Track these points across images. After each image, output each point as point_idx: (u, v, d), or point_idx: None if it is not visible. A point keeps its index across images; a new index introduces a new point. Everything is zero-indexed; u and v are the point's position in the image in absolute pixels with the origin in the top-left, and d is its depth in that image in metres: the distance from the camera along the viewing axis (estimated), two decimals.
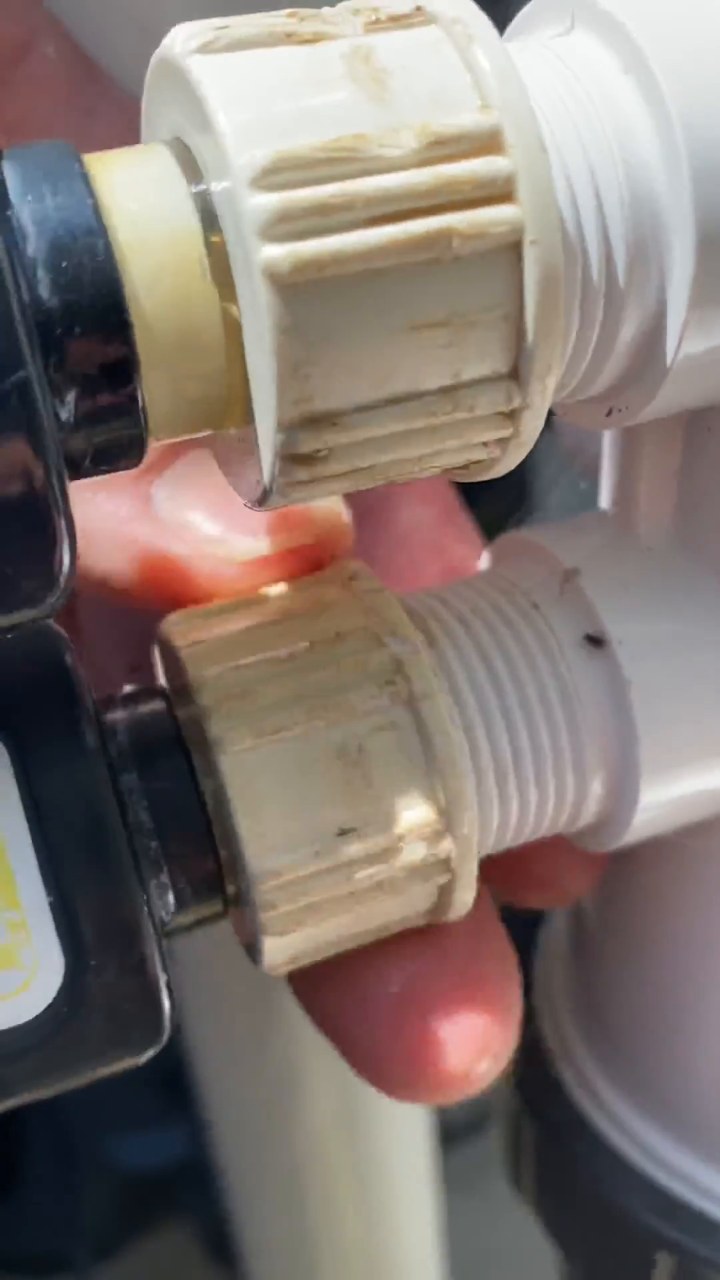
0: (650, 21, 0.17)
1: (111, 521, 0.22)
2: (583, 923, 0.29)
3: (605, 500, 0.24)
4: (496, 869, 0.22)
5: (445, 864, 0.20)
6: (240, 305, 0.16)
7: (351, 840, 0.19)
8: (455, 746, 0.20)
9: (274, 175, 0.15)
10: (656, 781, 0.21)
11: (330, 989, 0.22)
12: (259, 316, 0.15)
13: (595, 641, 0.21)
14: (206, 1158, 0.48)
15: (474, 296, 0.16)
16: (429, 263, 0.16)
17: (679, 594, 0.22)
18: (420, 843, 0.20)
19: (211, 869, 0.20)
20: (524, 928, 0.29)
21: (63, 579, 0.16)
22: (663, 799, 0.22)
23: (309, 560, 0.22)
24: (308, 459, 0.16)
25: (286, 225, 0.15)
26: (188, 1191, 0.61)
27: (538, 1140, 0.30)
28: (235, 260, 0.16)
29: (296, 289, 0.15)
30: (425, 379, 0.16)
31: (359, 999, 0.22)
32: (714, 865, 0.24)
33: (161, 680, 0.22)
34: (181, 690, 0.21)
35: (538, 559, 0.22)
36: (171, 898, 0.20)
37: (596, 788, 0.22)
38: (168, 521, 0.22)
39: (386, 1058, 0.22)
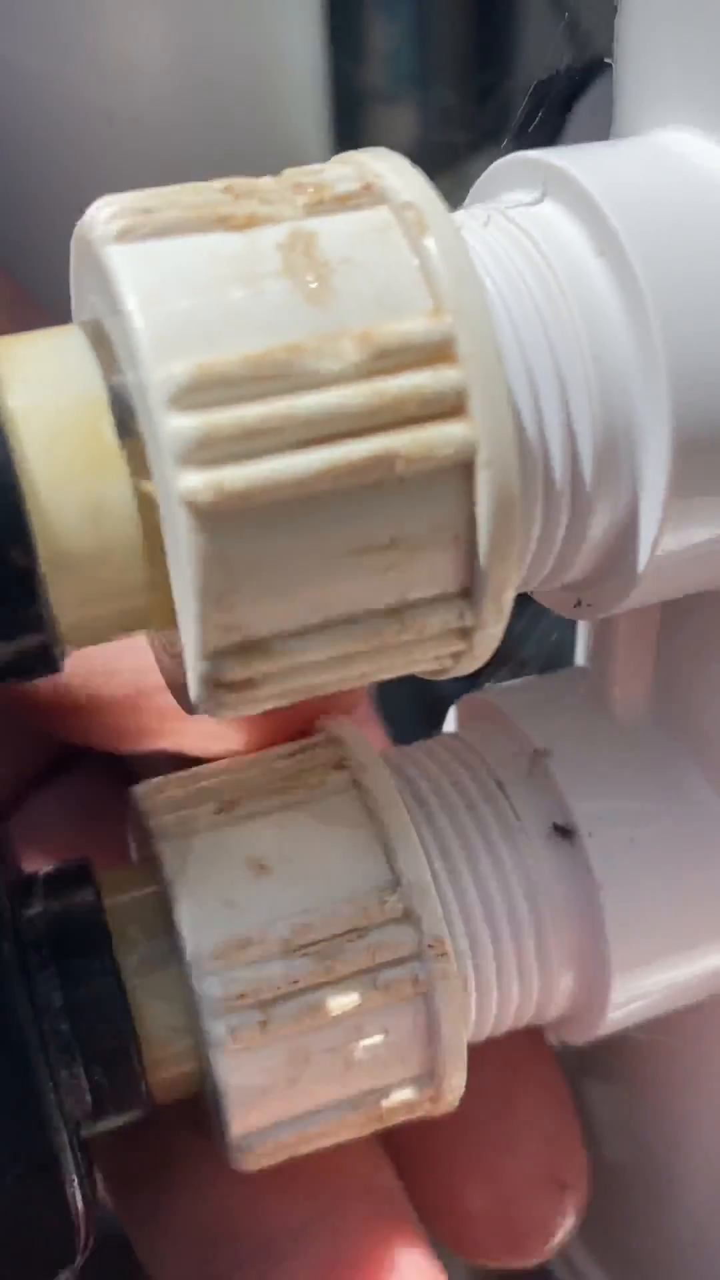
0: (628, 200, 0.15)
1: None
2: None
3: (582, 656, 0.22)
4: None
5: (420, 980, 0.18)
6: (161, 518, 0.14)
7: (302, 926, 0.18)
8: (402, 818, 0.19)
9: (195, 394, 0.13)
10: (629, 978, 0.20)
11: None
12: (178, 543, 0.14)
13: (564, 832, 0.19)
14: None
15: (420, 519, 0.14)
16: (369, 486, 0.14)
17: (654, 779, 0.20)
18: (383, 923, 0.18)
19: (133, 1061, 0.19)
20: None
21: None
22: (636, 993, 0.20)
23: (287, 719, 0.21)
24: (236, 685, 0.15)
25: (208, 451, 0.13)
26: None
27: None
28: (154, 473, 0.14)
29: (219, 519, 0.13)
30: (368, 602, 0.15)
31: None
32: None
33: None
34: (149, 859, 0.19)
35: (505, 730, 0.21)
36: (88, 1093, 0.19)
37: (563, 985, 0.20)
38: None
39: None
